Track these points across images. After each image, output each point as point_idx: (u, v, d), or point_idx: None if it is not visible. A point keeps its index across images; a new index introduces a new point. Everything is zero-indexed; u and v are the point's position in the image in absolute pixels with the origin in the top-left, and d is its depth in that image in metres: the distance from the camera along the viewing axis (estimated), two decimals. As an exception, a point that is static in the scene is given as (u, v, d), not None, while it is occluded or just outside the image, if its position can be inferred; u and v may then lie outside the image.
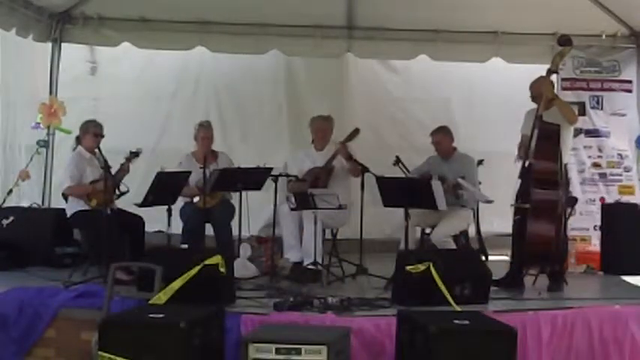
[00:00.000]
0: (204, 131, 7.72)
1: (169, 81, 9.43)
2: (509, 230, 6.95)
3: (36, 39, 8.21)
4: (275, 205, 7.28)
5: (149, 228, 7.43)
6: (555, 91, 7.43)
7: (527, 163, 6.67)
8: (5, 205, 8.17)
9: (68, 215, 7.27)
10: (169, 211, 6.83)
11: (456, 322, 4.88)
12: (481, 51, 8.66)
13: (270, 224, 7.45)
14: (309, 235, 7.09)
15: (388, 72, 9.51)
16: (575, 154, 8.12)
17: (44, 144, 8.50)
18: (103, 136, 7.26)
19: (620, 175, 8.53)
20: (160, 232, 7.38)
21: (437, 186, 6.67)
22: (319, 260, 7.05)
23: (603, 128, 8.59)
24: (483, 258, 7.58)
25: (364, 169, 7.38)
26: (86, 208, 7.10)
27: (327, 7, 8.46)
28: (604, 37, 8.58)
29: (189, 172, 7.27)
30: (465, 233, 7.73)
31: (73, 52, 8.84)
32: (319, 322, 5.40)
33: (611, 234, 7.82)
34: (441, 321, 4.88)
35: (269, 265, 7.31)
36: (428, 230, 7.60)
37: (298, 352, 4.66)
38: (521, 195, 6.66)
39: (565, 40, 6.84)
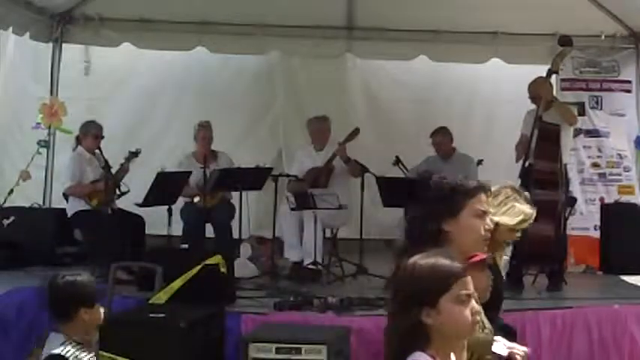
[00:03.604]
0: (204, 131, 7.73)
1: (167, 80, 9.42)
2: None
3: (37, 39, 8.21)
4: (275, 205, 7.29)
5: (150, 231, 7.44)
6: (555, 91, 7.45)
7: (527, 164, 6.68)
8: (6, 205, 8.19)
9: (69, 215, 7.29)
10: (170, 211, 6.84)
11: (456, 321, 4.89)
12: (480, 51, 8.66)
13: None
14: (309, 234, 7.10)
15: (388, 72, 9.51)
16: (574, 154, 8.11)
17: (45, 144, 8.50)
18: (103, 137, 7.29)
19: (620, 175, 8.53)
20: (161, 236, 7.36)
21: (436, 186, 6.67)
22: (319, 260, 7.07)
23: (602, 128, 8.58)
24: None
25: (364, 170, 7.40)
26: (87, 207, 7.12)
27: (327, 8, 8.46)
28: (603, 37, 8.57)
29: (190, 172, 7.29)
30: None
31: (66, 52, 8.82)
32: (319, 322, 5.41)
33: (611, 234, 7.83)
34: (440, 320, 4.89)
35: (269, 265, 7.32)
36: (428, 230, 7.60)
37: (298, 351, 4.68)
38: (521, 195, 6.66)
39: (565, 41, 6.85)
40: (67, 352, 3.17)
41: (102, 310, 3.38)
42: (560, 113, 6.71)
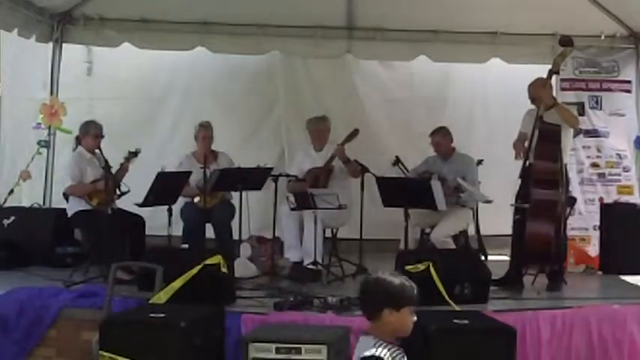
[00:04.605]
0: (204, 131, 7.74)
1: (167, 81, 9.43)
2: (509, 230, 6.96)
3: (37, 39, 8.22)
4: (275, 205, 7.30)
5: (150, 231, 7.43)
6: (554, 91, 7.46)
7: (527, 163, 6.69)
8: (6, 205, 8.20)
9: (69, 215, 7.29)
10: (170, 211, 6.85)
11: (456, 321, 4.90)
12: (480, 52, 8.67)
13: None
14: (309, 234, 7.10)
15: (388, 72, 9.52)
16: (573, 154, 8.12)
17: (45, 144, 8.52)
18: (103, 137, 7.30)
19: (619, 175, 8.54)
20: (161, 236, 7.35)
21: (436, 186, 6.68)
22: (319, 260, 7.07)
23: (602, 128, 8.59)
24: (483, 258, 7.60)
25: (364, 170, 7.41)
26: (87, 207, 7.12)
27: (327, 8, 8.47)
28: (603, 37, 8.60)
29: (190, 172, 7.30)
30: (464, 233, 7.75)
31: (68, 53, 8.84)
32: (319, 322, 5.41)
33: (611, 234, 7.83)
34: (440, 321, 4.90)
35: (269, 265, 7.32)
36: (428, 230, 7.62)
37: (298, 351, 4.67)
38: (522, 195, 6.68)
39: (566, 41, 6.84)
40: (381, 353, 3.15)
41: (413, 318, 3.28)
42: (562, 116, 6.69)
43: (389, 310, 3.21)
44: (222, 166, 7.50)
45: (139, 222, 7.28)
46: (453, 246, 7.32)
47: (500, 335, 4.83)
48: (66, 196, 7.43)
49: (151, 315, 4.94)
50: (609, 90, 8.67)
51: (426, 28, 8.58)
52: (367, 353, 3.15)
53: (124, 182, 7.13)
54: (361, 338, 3.26)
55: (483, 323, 5.06)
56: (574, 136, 7.37)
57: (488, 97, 9.41)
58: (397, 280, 3.28)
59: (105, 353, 4.69)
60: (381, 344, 3.18)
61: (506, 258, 7.17)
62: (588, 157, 8.55)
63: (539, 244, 6.48)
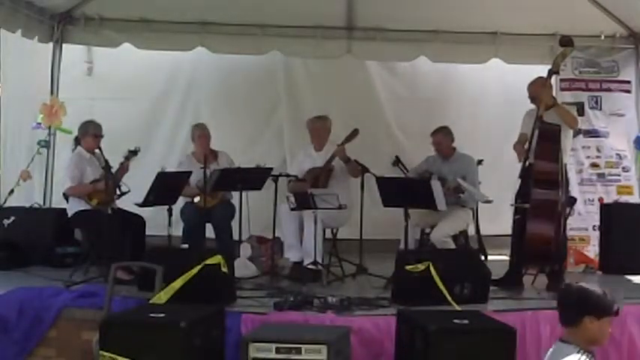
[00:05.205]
0: (200, 130, 7.76)
1: (167, 81, 9.43)
2: (509, 230, 6.97)
3: (38, 40, 8.22)
4: (275, 205, 7.30)
5: (150, 231, 7.44)
6: (554, 91, 7.46)
7: (527, 163, 6.69)
8: (6, 205, 8.20)
9: (69, 215, 7.29)
10: (170, 211, 6.85)
11: (456, 321, 4.91)
12: (480, 52, 8.67)
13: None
14: (309, 234, 7.10)
15: (389, 72, 9.51)
16: (573, 154, 8.11)
17: (45, 144, 8.53)
18: (102, 137, 7.30)
19: (619, 175, 8.54)
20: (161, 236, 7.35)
21: (436, 186, 6.69)
22: (319, 260, 7.07)
23: (602, 128, 8.59)
24: (483, 258, 7.60)
25: (364, 170, 7.41)
26: (87, 207, 7.12)
27: (327, 8, 8.47)
28: (603, 37, 8.60)
29: (190, 172, 7.30)
30: (464, 233, 7.75)
31: (68, 53, 8.84)
32: (319, 322, 5.42)
33: (610, 234, 7.83)
34: (440, 320, 4.90)
35: (269, 265, 7.33)
36: (428, 230, 7.62)
37: (298, 351, 4.68)
38: (522, 195, 6.68)
39: (566, 41, 6.84)
40: None
41: (609, 330, 3.35)
42: (562, 117, 6.70)
43: (590, 317, 3.29)
44: (223, 166, 7.51)
45: (139, 222, 7.28)
46: (453, 246, 7.33)
47: (500, 335, 4.83)
48: (66, 196, 7.43)
49: (151, 315, 4.94)
50: (609, 90, 8.66)
51: (426, 28, 8.58)
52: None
53: (124, 182, 7.13)
54: (558, 344, 3.31)
55: (483, 323, 5.06)
56: (574, 136, 7.37)
57: (489, 98, 9.41)
58: (600, 290, 3.38)
59: (105, 353, 4.69)
60: (584, 352, 3.24)
61: (506, 258, 7.17)
62: (588, 157, 8.55)
63: (539, 244, 6.49)
